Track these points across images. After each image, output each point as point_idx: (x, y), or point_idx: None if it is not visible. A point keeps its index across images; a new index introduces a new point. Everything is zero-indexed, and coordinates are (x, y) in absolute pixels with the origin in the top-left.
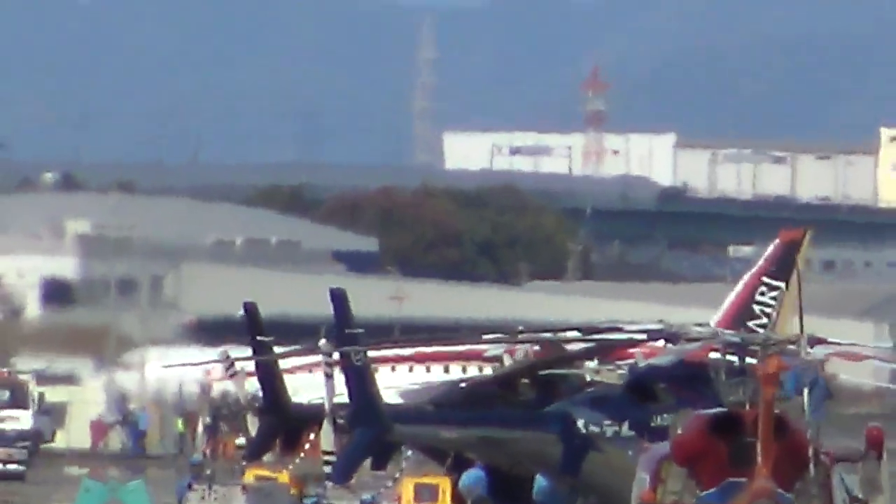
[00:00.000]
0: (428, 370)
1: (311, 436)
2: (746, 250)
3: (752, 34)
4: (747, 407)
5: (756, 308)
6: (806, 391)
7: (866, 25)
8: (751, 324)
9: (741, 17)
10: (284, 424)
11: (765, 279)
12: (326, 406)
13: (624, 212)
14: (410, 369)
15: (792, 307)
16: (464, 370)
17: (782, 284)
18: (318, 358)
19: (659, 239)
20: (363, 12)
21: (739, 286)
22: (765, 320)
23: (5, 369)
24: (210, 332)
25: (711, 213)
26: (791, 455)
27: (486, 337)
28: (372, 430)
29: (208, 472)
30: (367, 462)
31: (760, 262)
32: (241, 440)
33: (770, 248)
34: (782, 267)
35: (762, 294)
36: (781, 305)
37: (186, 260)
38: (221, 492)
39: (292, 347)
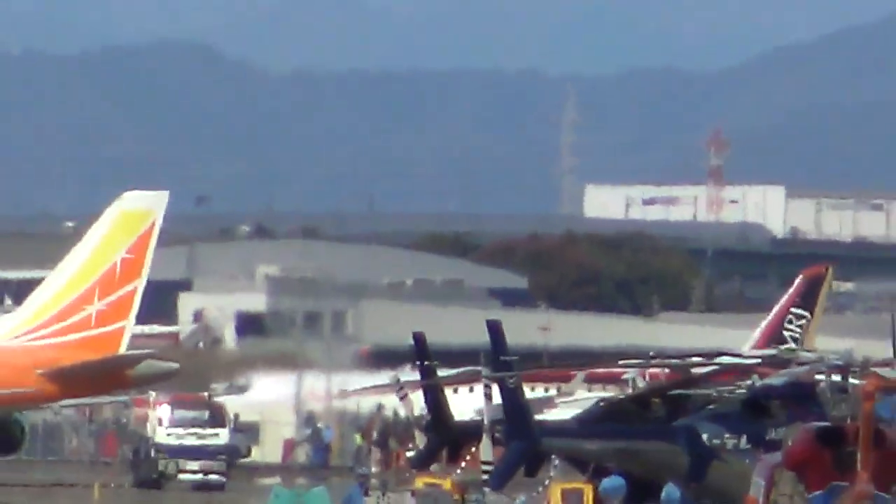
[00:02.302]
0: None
1: (473, 448)
2: (848, 286)
3: (856, 99)
4: (849, 421)
5: (785, 334)
6: None
7: None
8: (781, 347)
9: (844, 86)
10: (449, 439)
11: (792, 310)
12: (485, 422)
13: (742, 253)
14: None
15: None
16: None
17: (807, 314)
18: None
19: (772, 277)
20: (515, 84)
21: (770, 316)
22: (793, 345)
23: (205, 392)
24: (384, 359)
25: (817, 254)
26: (888, 462)
27: (622, 362)
28: (524, 443)
29: (374, 481)
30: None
31: (787, 295)
32: (411, 452)
33: (796, 283)
34: (807, 299)
35: (790, 322)
36: (807, 332)
37: (364, 297)
38: (394, 497)
39: (455, 372)
